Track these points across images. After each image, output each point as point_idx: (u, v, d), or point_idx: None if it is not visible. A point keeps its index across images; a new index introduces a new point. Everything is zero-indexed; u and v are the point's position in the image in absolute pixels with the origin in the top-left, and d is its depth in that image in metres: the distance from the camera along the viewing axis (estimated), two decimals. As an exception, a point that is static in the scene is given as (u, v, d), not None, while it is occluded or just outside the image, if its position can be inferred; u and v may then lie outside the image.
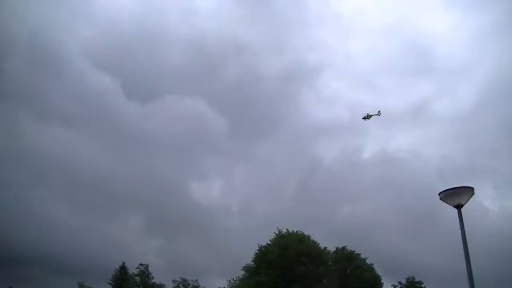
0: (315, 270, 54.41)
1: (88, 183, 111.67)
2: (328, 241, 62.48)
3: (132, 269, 77.67)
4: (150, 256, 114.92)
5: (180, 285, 75.67)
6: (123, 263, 78.45)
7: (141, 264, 76.48)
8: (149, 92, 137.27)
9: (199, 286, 76.27)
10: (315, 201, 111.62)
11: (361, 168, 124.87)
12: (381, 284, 63.95)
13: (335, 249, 64.33)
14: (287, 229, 59.43)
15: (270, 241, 58.41)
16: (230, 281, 72.58)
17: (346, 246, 64.91)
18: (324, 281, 56.27)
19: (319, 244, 59.28)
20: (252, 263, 57.91)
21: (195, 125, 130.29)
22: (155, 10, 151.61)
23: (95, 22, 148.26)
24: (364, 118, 74.02)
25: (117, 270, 78.17)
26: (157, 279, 77.17)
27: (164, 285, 76.19)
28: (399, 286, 69.67)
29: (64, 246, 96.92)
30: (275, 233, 59.20)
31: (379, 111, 73.54)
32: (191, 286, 75.64)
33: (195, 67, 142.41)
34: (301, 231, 59.40)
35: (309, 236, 58.85)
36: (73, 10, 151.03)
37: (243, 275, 59.94)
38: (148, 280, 75.66)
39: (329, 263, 60.11)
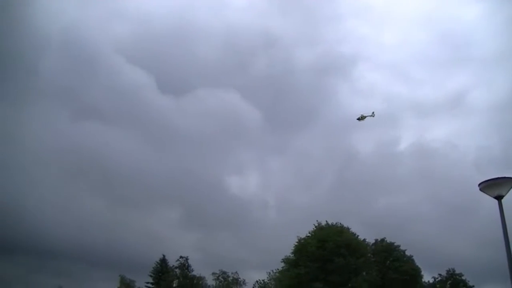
0: (354, 262, 54.23)
1: (125, 178, 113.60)
2: (365, 233, 62.60)
3: (172, 261, 78.83)
4: (188, 249, 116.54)
5: (220, 278, 76.46)
6: (163, 256, 79.79)
7: (181, 257, 77.82)
8: (182, 86, 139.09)
9: (239, 278, 76.93)
10: (352, 193, 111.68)
11: (397, 160, 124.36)
12: (421, 276, 63.55)
13: (374, 241, 64.26)
14: (326, 221, 59.49)
15: (309, 233, 58.53)
16: (269, 273, 73.32)
17: (385, 238, 64.69)
18: (364, 273, 56.12)
19: (358, 236, 59.27)
20: (291, 255, 58.12)
21: (229, 118, 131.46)
22: (187, 5, 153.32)
23: (127, 18, 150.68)
24: (358, 119, 74.65)
25: (157, 262, 79.57)
26: (196, 271, 78.22)
27: (204, 277, 77.03)
28: (439, 278, 69.26)
29: (104, 241, 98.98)
30: (314, 225, 59.32)
31: (373, 112, 74.09)
32: (231, 278, 76.33)
33: (228, 60, 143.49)
34: (340, 223, 59.44)
35: (348, 228, 58.82)
36: (106, 7, 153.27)
37: (282, 267, 60.14)
38: (188, 272, 76.66)
39: (368, 255, 59.84)
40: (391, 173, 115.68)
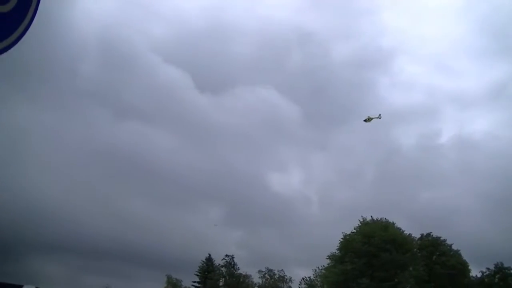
0: (400, 258, 54.19)
1: (167, 177, 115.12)
2: (409, 228, 62.18)
3: (218, 260, 79.55)
4: (232, 247, 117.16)
5: (266, 275, 76.84)
6: (209, 255, 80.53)
7: (226, 255, 78.25)
8: (219, 84, 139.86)
9: (285, 275, 77.16)
10: (394, 188, 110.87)
11: (439, 153, 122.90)
12: (468, 271, 62.96)
13: (419, 235, 63.80)
14: (371, 216, 59.54)
15: (354, 229, 58.74)
16: (315, 270, 73.39)
17: (431, 232, 64.22)
18: (410, 268, 56.00)
19: (403, 231, 59.08)
20: (337, 252, 58.38)
21: (268, 115, 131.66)
22: (222, 4, 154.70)
23: (163, 18, 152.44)
24: (365, 120, 74.92)
25: (203, 261, 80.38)
26: (241, 270, 78.78)
27: (250, 275, 77.54)
28: (487, 272, 68.33)
29: (149, 240, 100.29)
30: (359, 220, 59.46)
31: (379, 115, 74.80)
32: (277, 276, 76.67)
33: (263, 57, 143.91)
34: (385, 218, 59.40)
35: (393, 223, 58.78)
36: (142, 8, 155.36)
37: (328, 264, 60.53)
38: (234, 271, 77.16)
39: (414, 250, 59.68)
40: (433, 166, 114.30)
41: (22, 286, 72.03)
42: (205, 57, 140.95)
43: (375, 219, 59.19)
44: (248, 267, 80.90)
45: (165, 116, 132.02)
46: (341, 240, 58.16)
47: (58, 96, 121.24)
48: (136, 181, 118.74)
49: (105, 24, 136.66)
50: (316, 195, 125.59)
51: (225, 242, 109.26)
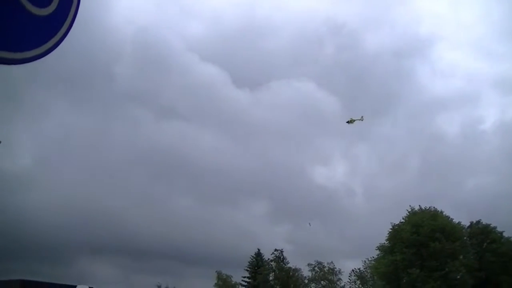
0: (450, 246, 53.98)
1: (210, 174, 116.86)
2: (456, 216, 61.32)
3: (267, 255, 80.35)
4: (279, 241, 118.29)
5: (315, 268, 77.20)
6: (258, 250, 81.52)
7: (275, 250, 78.88)
8: (256, 79, 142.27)
9: (335, 268, 77.38)
10: (439, 176, 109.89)
11: (483, 139, 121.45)
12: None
13: (469, 223, 63.22)
14: (419, 205, 59.42)
15: (403, 219, 58.78)
16: (365, 261, 73.53)
17: (480, 219, 63.51)
18: (460, 257, 55.69)
19: (452, 219, 58.72)
20: (386, 242, 58.57)
21: (307, 108, 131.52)
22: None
23: (197, 17, 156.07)
24: (348, 122, 77.59)
25: (252, 257, 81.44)
26: (291, 263, 79.31)
27: (300, 269, 78.10)
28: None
29: (198, 238, 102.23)
30: (407, 210, 59.40)
31: (362, 117, 77.56)
32: (327, 268, 76.93)
33: (298, 50, 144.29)
34: (434, 207, 59.18)
35: (441, 212, 58.51)
36: (176, 7, 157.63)
37: (377, 255, 60.76)
38: (283, 265, 77.78)
39: (464, 238, 59.21)
40: (477, 152, 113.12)
41: (76, 286, 74.88)
42: (240, 53, 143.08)
43: (423, 208, 59.10)
44: (296, 261, 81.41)
45: (205, 114, 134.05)
46: (390, 230, 58.34)
47: (99, 100, 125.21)
48: (181, 180, 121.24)
49: (140, 25, 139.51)
50: (361, 186, 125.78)
51: (272, 237, 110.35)
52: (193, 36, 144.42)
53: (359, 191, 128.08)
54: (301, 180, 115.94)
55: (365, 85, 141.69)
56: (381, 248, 59.29)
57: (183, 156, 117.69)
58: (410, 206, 59.74)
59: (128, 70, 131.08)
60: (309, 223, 75.06)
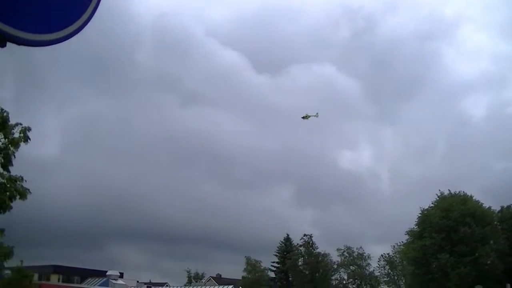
0: (481, 231, 53.55)
1: (235, 160, 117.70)
2: (484, 200, 60.70)
3: (296, 240, 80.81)
4: (306, 226, 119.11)
5: (344, 253, 77.38)
6: (287, 235, 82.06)
7: (304, 235, 79.35)
8: (276, 64, 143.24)
9: (364, 253, 77.44)
10: (466, 160, 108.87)
11: (510, 121, 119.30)
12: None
13: (500, 208, 62.46)
14: (449, 190, 58.96)
15: (432, 203, 58.44)
16: (394, 246, 73.46)
17: (511, 204, 62.69)
18: (491, 242, 55.26)
19: (482, 204, 58.08)
20: (415, 227, 58.40)
21: (329, 92, 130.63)
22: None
23: (217, 2, 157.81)
24: (303, 117, 76.83)
25: (281, 242, 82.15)
26: (319, 248, 79.58)
27: (329, 254, 78.38)
28: None
29: (226, 223, 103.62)
30: (436, 195, 58.97)
31: (317, 113, 76.78)
32: (356, 253, 77.05)
33: (316, 34, 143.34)
34: (463, 192, 58.68)
35: (471, 197, 57.96)
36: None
37: (407, 239, 60.68)
38: (312, 250, 78.11)
39: (495, 222, 58.55)
40: (505, 135, 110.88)
41: (106, 271, 76.58)
42: (259, 38, 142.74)
43: (452, 192, 58.64)
44: (323, 246, 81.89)
45: (227, 99, 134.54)
46: (419, 215, 58.11)
47: (122, 87, 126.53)
48: (207, 165, 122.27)
49: (160, 11, 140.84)
50: (387, 170, 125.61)
51: (299, 222, 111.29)
52: (213, 22, 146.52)
53: (386, 176, 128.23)
54: (327, 165, 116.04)
55: (389, 68, 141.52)
56: (410, 233, 59.15)
57: (209, 141, 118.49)
58: (439, 190, 59.32)
59: (149, 56, 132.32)
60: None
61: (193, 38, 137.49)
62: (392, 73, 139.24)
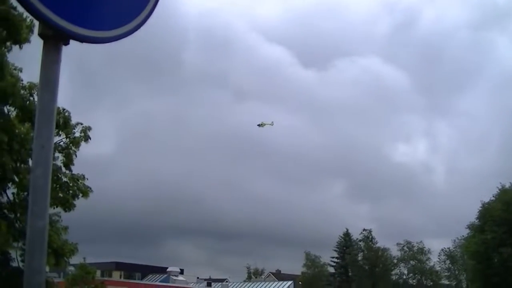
0: (544, 225, 52.90)
1: (288, 155, 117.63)
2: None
3: (355, 235, 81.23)
4: (362, 221, 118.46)
5: (404, 248, 77.21)
6: (347, 230, 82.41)
7: (364, 229, 79.40)
8: (322, 58, 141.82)
9: (424, 247, 77.03)
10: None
11: None
12: None
13: None
14: (510, 182, 58.06)
15: (493, 196, 57.78)
16: (454, 240, 72.86)
17: None
18: (556, 236, 54.43)
19: (546, 196, 56.95)
20: (476, 221, 57.99)
21: (376, 83, 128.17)
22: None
23: None
24: (258, 125, 79.34)
25: (341, 237, 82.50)
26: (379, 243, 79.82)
27: (388, 248, 78.45)
28: None
29: (283, 220, 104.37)
30: (497, 188, 58.21)
31: (272, 122, 79.27)
32: (416, 248, 76.79)
33: (357, 28, 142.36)
34: (526, 185, 57.68)
35: (534, 189, 57.00)
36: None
37: (468, 233, 60.29)
38: (372, 244, 78.33)
39: (559, 216, 57.51)
40: None
41: (167, 268, 78.72)
42: (304, 32, 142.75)
43: (514, 185, 57.80)
44: (382, 241, 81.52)
45: (277, 94, 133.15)
46: (480, 208, 57.62)
47: (173, 85, 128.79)
48: (261, 161, 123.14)
49: (205, 8, 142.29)
50: (443, 163, 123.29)
51: (356, 217, 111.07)
52: (257, 16, 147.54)
53: (442, 169, 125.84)
54: (381, 159, 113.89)
55: (440, 59, 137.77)
56: (471, 227, 58.65)
57: (261, 136, 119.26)
58: (500, 183, 58.51)
59: (195, 54, 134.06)
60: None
61: (237, 33, 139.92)
62: (443, 64, 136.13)
